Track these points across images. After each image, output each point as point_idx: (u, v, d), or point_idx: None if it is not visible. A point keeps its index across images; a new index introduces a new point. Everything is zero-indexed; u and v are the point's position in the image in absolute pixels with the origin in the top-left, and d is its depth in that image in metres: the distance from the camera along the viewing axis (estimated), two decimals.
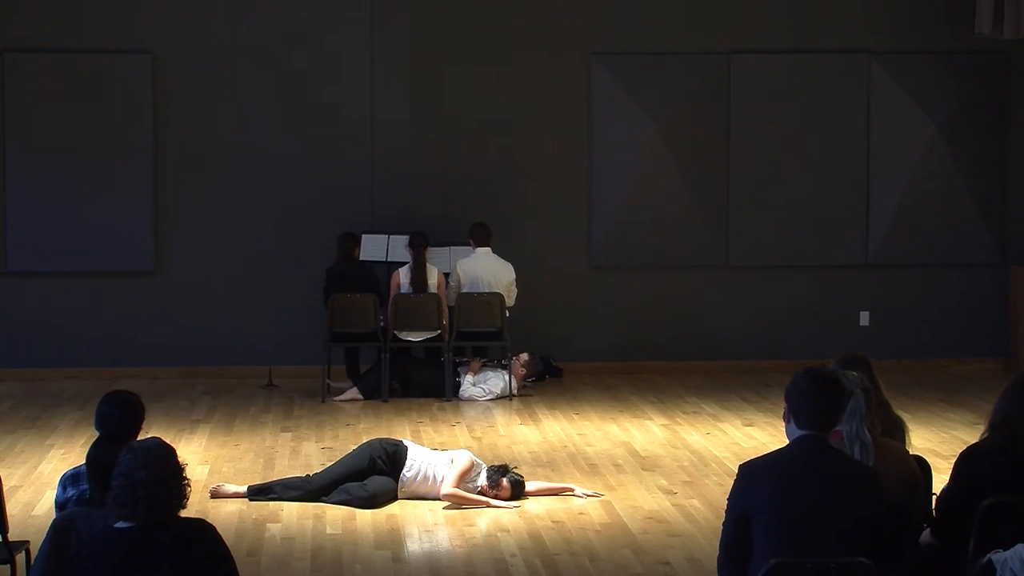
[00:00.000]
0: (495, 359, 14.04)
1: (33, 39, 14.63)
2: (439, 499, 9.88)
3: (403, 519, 9.57)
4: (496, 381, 13.80)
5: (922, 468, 6.86)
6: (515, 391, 13.80)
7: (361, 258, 14.28)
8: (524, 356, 14.06)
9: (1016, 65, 15.32)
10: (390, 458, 10.00)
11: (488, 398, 13.67)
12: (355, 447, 10.45)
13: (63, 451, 11.43)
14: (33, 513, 9.62)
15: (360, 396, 13.64)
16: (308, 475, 10.24)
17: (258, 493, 10.00)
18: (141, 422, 6.86)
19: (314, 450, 11.55)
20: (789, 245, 15.27)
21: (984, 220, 15.35)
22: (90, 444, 6.53)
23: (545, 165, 15.08)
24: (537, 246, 15.00)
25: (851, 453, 6.17)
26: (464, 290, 13.95)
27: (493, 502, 9.78)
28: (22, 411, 13.12)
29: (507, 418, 12.95)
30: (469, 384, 13.74)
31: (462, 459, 10.02)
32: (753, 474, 5.65)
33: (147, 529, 5.24)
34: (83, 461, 6.65)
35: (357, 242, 14.27)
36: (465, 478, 9.93)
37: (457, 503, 9.82)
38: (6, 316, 14.67)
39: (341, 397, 13.68)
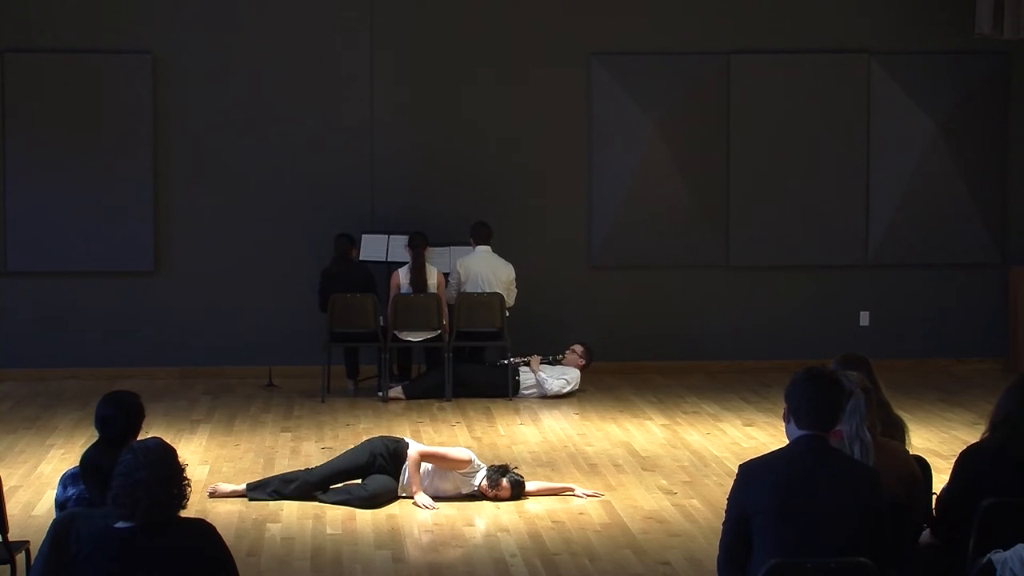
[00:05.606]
0: (548, 355, 14.07)
1: (33, 39, 14.63)
2: (438, 494, 9.92)
3: (403, 519, 9.57)
4: (574, 372, 13.90)
5: (922, 468, 6.86)
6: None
7: (361, 258, 14.29)
8: (579, 347, 14.11)
9: (1016, 65, 15.32)
10: (391, 455, 10.02)
11: (570, 388, 13.81)
12: (357, 444, 10.48)
13: (63, 451, 11.43)
14: (33, 513, 9.62)
15: (402, 396, 13.72)
16: (308, 468, 10.28)
17: (256, 489, 10.01)
18: (141, 423, 6.87)
19: (314, 450, 11.55)
20: (789, 245, 15.26)
21: (984, 220, 15.35)
22: (88, 446, 6.53)
23: (545, 165, 15.08)
24: (537, 246, 15.00)
25: (851, 453, 6.17)
26: (464, 288, 13.96)
27: (419, 498, 9.79)
28: (22, 411, 13.12)
29: (507, 418, 12.96)
30: (548, 378, 13.80)
31: (459, 452, 10.07)
32: (753, 474, 5.65)
33: (147, 529, 5.24)
34: None
35: (354, 243, 14.26)
36: (451, 466, 9.95)
37: (412, 465, 9.85)
38: (6, 316, 14.67)
39: (392, 392, 13.75)
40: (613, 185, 15.09)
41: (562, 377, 13.88)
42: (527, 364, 13.94)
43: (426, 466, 10.00)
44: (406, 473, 9.96)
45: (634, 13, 15.07)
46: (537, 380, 13.84)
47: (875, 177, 15.27)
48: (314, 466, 10.35)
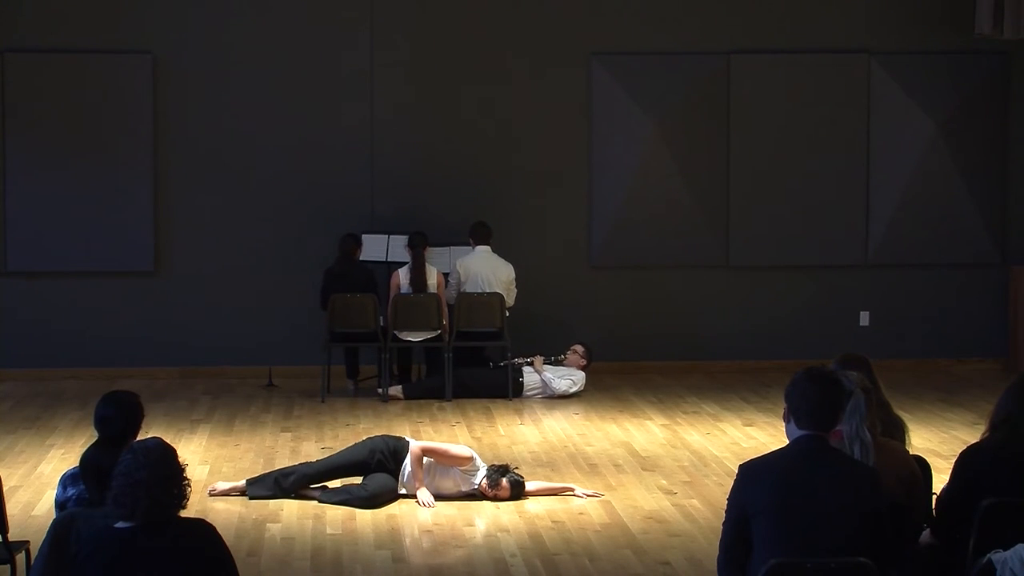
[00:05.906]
0: (551, 356, 14.07)
1: (33, 39, 14.63)
2: (439, 492, 9.93)
3: (403, 519, 9.57)
4: (579, 373, 13.91)
5: (922, 468, 6.86)
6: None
7: (361, 259, 14.29)
8: (580, 348, 14.13)
9: (1016, 65, 15.33)
10: (392, 453, 10.03)
11: (576, 388, 13.81)
12: (357, 441, 10.51)
13: (63, 451, 11.43)
14: (33, 513, 9.62)
15: (401, 396, 13.72)
16: (307, 462, 10.31)
17: (255, 484, 10.02)
18: (140, 423, 6.86)
19: (314, 450, 11.55)
20: (789, 245, 15.26)
21: (984, 220, 15.35)
22: (88, 446, 6.53)
23: (545, 165, 15.08)
24: (537, 246, 15.00)
25: (851, 453, 6.17)
26: (464, 288, 13.96)
27: (420, 494, 9.81)
28: (22, 411, 13.12)
29: (507, 418, 12.95)
30: (555, 378, 13.81)
31: (460, 449, 10.08)
32: (753, 474, 5.65)
33: (147, 529, 5.24)
34: None
35: (358, 243, 14.26)
36: (453, 462, 9.96)
37: (415, 460, 9.87)
38: (6, 316, 14.67)
39: (392, 391, 13.74)
40: (613, 185, 15.09)
41: (568, 377, 13.88)
42: (530, 364, 13.94)
43: (427, 462, 10.00)
44: (407, 470, 9.97)
45: (634, 13, 15.07)
46: (543, 380, 13.84)
47: (875, 177, 15.27)
48: (314, 460, 10.39)
